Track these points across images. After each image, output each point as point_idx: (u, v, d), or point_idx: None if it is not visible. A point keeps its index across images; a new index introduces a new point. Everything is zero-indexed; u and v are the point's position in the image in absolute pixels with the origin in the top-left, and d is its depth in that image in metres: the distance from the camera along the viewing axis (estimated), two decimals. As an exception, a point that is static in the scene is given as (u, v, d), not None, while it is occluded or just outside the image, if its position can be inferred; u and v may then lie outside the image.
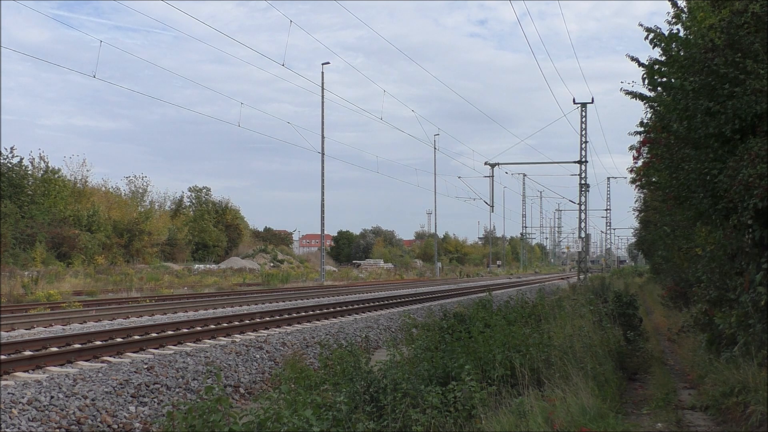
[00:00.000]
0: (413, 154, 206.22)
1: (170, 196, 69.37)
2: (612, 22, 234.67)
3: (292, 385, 7.64)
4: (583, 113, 39.64)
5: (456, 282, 51.98)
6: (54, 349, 11.81)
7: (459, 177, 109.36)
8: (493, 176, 47.70)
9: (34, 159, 48.28)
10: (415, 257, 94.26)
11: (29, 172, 46.99)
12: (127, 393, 9.31)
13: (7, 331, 14.75)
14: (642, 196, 23.89)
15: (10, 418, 7.78)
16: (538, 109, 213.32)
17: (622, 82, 10.80)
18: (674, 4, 10.57)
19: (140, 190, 60.68)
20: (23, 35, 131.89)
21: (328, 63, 57.89)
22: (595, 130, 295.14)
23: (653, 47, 9.34)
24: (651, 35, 9.29)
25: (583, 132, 39.88)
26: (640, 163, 13.30)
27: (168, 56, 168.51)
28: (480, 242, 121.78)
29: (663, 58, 9.39)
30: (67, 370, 10.17)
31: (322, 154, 45.43)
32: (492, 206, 49.96)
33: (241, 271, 50.55)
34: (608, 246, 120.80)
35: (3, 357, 10.48)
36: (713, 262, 9.16)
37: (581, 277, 39.89)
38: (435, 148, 64.23)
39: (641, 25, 9.37)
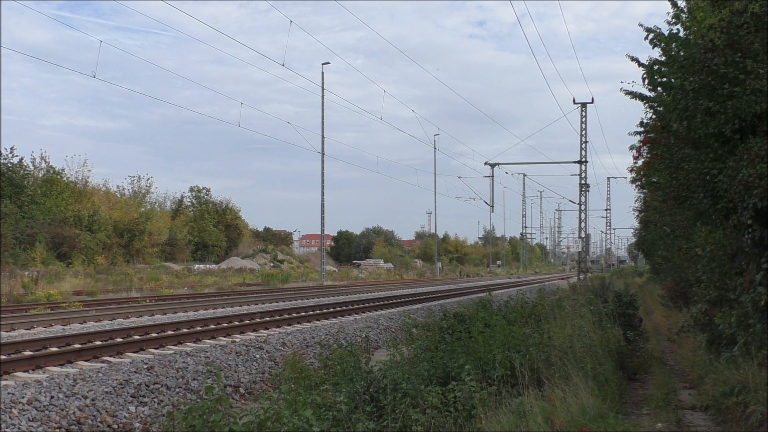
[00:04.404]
0: (413, 154, 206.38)
1: (170, 196, 69.44)
2: (610, 23, 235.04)
3: (292, 385, 7.64)
4: (583, 113, 39.67)
5: (456, 282, 51.96)
6: (54, 349, 11.81)
7: (459, 177, 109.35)
8: (493, 176, 47.80)
9: (35, 159, 48.39)
10: (415, 257, 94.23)
11: (30, 172, 47.01)
12: (127, 393, 9.31)
13: (7, 331, 14.75)
14: (642, 196, 23.85)
15: (10, 418, 7.78)
16: (538, 110, 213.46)
17: (622, 83, 10.82)
18: (674, 5, 10.56)
19: (143, 191, 60.75)
20: (25, 36, 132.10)
21: (328, 63, 57.95)
22: (595, 130, 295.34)
23: (653, 47, 9.35)
24: (651, 35, 9.30)
25: (583, 132, 39.89)
26: (640, 162, 13.30)
27: (168, 57, 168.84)
28: (480, 242, 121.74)
29: (663, 58, 9.39)
30: (67, 370, 10.17)
31: (322, 154, 45.48)
32: (492, 206, 50.07)
33: (241, 271, 50.53)
34: (608, 246, 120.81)
35: (3, 357, 10.48)
36: (713, 262, 9.17)
37: (581, 277, 39.90)
38: (435, 149, 64.35)
39: (641, 25, 9.39)
